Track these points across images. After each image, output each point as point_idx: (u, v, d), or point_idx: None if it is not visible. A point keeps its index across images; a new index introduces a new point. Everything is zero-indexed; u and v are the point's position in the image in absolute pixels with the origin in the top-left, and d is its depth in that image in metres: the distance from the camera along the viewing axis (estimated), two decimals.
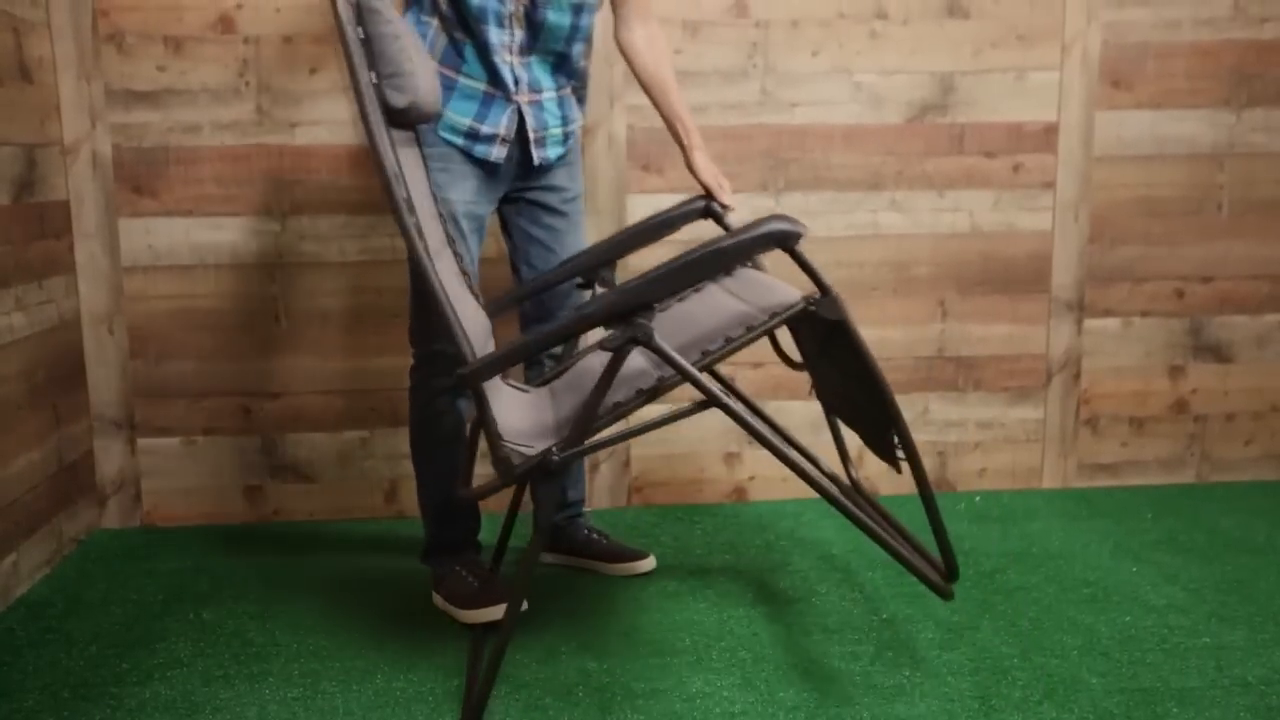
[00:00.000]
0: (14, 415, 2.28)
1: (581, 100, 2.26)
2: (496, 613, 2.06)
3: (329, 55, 2.59)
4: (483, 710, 1.74)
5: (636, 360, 1.81)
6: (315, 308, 2.68)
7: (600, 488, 2.80)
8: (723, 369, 2.78)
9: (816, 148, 2.73)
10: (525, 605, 2.10)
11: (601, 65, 2.63)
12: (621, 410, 1.69)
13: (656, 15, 2.47)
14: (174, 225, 2.62)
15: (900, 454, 1.79)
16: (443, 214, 2.01)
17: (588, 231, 2.69)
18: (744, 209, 2.73)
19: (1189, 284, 2.88)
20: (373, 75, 1.72)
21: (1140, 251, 2.85)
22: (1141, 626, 2.08)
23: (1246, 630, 2.06)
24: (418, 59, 1.79)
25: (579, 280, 2.19)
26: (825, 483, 1.71)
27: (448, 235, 2.00)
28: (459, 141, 2.07)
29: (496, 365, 1.65)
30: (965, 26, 2.72)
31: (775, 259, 2.74)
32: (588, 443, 1.69)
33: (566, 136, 2.20)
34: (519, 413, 1.89)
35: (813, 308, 1.70)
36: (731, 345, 1.70)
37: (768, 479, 2.85)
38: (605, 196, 2.68)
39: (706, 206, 2.18)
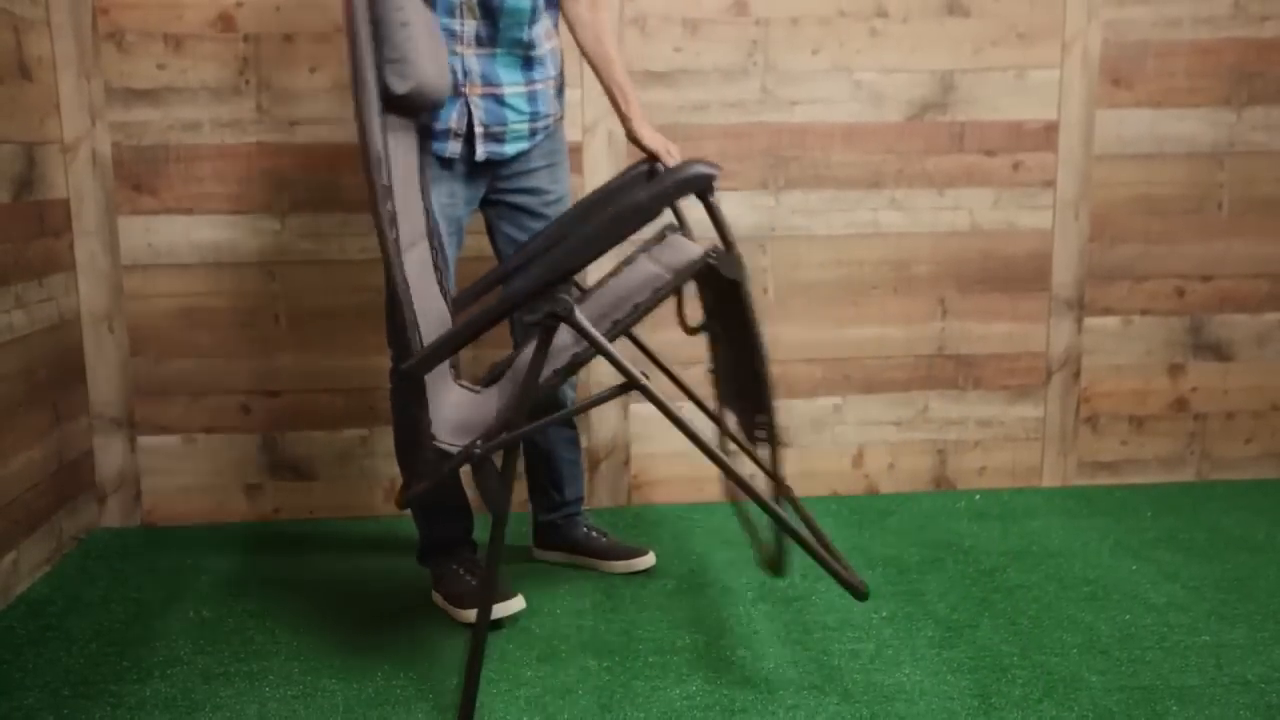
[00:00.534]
0: (14, 413, 2.28)
1: (560, 91, 2.24)
2: (495, 611, 2.06)
3: (329, 53, 2.59)
4: (473, 706, 1.74)
5: (564, 338, 1.79)
6: (315, 306, 2.68)
7: (600, 486, 2.80)
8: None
9: (817, 146, 2.73)
10: (524, 604, 2.10)
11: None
12: (548, 390, 1.67)
13: (652, 11, 2.46)
14: (174, 223, 2.62)
15: (762, 436, 1.78)
16: (429, 207, 2.00)
17: None
18: (744, 207, 2.73)
19: (1189, 282, 2.88)
20: (375, 58, 1.71)
21: (1140, 250, 2.85)
22: (1141, 624, 2.08)
23: (1246, 628, 2.06)
24: (425, 47, 1.78)
25: None
26: (742, 476, 1.69)
27: (429, 228, 1.99)
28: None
29: (432, 358, 1.63)
30: (965, 25, 2.72)
31: (774, 259, 2.74)
32: (506, 435, 1.66)
33: (534, 132, 2.17)
34: (464, 411, 1.88)
35: (713, 260, 1.67)
36: (639, 310, 1.67)
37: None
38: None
39: (651, 169, 2.16)
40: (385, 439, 2.74)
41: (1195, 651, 1.97)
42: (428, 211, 1.99)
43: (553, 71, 2.20)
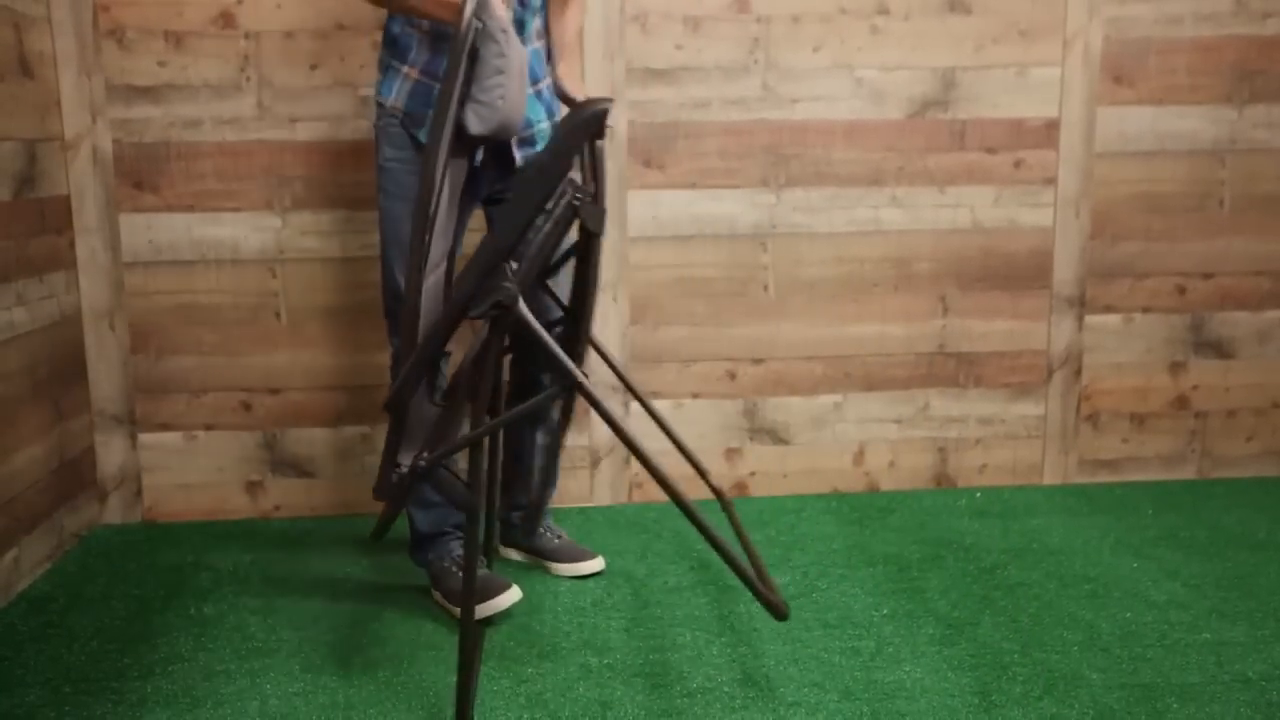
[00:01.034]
0: (15, 411, 2.28)
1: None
2: (490, 608, 2.06)
3: (330, 50, 2.59)
4: (468, 704, 1.74)
5: None
6: (316, 303, 2.68)
7: (601, 484, 2.80)
8: (725, 365, 2.78)
9: (818, 144, 2.73)
10: (519, 595, 2.11)
11: (602, 61, 2.63)
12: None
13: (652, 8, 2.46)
14: (175, 221, 2.62)
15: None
16: (459, 232, 2.00)
17: None
18: (745, 204, 2.73)
19: (1190, 280, 2.88)
20: (461, 93, 1.69)
21: (1141, 247, 2.85)
22: (1142, 622, 2.08)
23: (1247, 626, 2.06)
24: (513, 92, 1.76)
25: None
26: (673, 483, 1.67)
27: (451, 251, 1.99)
28: None
29: (407, 386, 1.63)
30: (967, 22, 2.72)
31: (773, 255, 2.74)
32: (445, 447, 1.66)
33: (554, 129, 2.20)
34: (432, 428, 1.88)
35: (577, 201, 1.65)
36: (546, 244, 1.66)
37: (769, 474, 2.85)
38: (606, 192, 2.68)
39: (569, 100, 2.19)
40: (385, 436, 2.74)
41: (1196, 649, 1.97)
42: (457, 235, 1.99)
43: (554, 70, 2.22)
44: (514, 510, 2.41)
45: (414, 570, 2.38)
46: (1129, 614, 2.11)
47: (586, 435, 2.78)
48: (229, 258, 2.64)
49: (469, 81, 1.72)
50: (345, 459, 2.74)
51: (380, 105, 2.11)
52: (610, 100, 1.62)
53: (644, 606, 2.18)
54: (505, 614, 2.14)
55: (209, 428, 2.70)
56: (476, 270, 1.58)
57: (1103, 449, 2.93)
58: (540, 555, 2.38)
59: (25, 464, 2.32)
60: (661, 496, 2.82)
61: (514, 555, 2.44)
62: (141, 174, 2.59)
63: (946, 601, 2.18)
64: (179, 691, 1.86)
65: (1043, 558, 2.40)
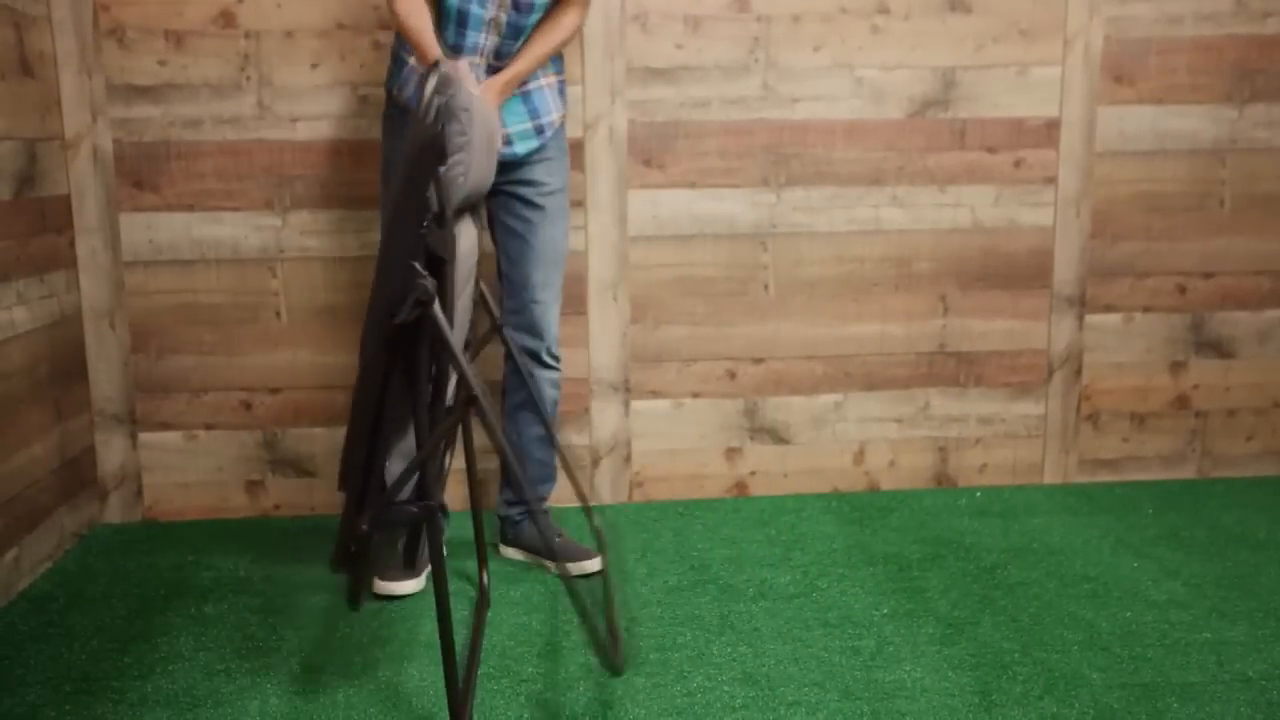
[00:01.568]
0: (16, 410, 2.28)
1: (561, 90, 2.29)
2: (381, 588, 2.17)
3: (330, 50, 2.59)
4: (467, 702, 1.74)
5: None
6: (316, 302, 2.68)
7: (601, 483, 2.80)
8: (725, 364, 2.78)
9: (818, 143, 2.73)
10: (415, 589, 2.17)
11: (603, 60, 2.63)
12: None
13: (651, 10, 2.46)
14: (175, 220, 2.62)
15: None
16: (478, 276, 2.00)
17: (587, 226, 2.69)
18: (745, 204, 2.73)
19: (1190, 279, 2.88)
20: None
21: (1142, 247, 2.85)
22: (1142, 622, 2.08)
23: (1247, 625, 2.06)
24: (475, 167, 1.74)
25: None
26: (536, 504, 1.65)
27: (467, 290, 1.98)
28: None
29: (350, 461, 1.63)
30: (967, 21, 2.72)
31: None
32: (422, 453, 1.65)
33: (540, 130, 2.23)
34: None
35: (423, 230, 1.61)
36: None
37: (769, 474, 2.85)
38: (606, 191, 2.68)
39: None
40: None
41: (1196, 648, 1.97)
42: (476, 280, 1.99)
43: (552, 71, 2.25)
44: (512, 507, 2.41)
45: None
46: (1129, 613, 2.11)
47: (587, 435, 2.78)
48: (229, 257, 2.64)
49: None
50: None
51: (389, 95, 2.13)
52: (440, 128, 1.59)
53: (644, 606, 2.18)
54: (505, 608, 2.14)
55: (209, 427, 2.70)
56: (382, 279, 1.57)
57: (1103, 448, 2.93)
58: (538, 553, 2.38)
59: (26, 463, 2.32)
60: (662, 495, 2.83)
61: (514, 555, 2.44)
62: (142, 173, 2.59)
63: (947, 601, 2.18)
64: (179, 691, 1.86)
65: (1043, 557, 2.40)
